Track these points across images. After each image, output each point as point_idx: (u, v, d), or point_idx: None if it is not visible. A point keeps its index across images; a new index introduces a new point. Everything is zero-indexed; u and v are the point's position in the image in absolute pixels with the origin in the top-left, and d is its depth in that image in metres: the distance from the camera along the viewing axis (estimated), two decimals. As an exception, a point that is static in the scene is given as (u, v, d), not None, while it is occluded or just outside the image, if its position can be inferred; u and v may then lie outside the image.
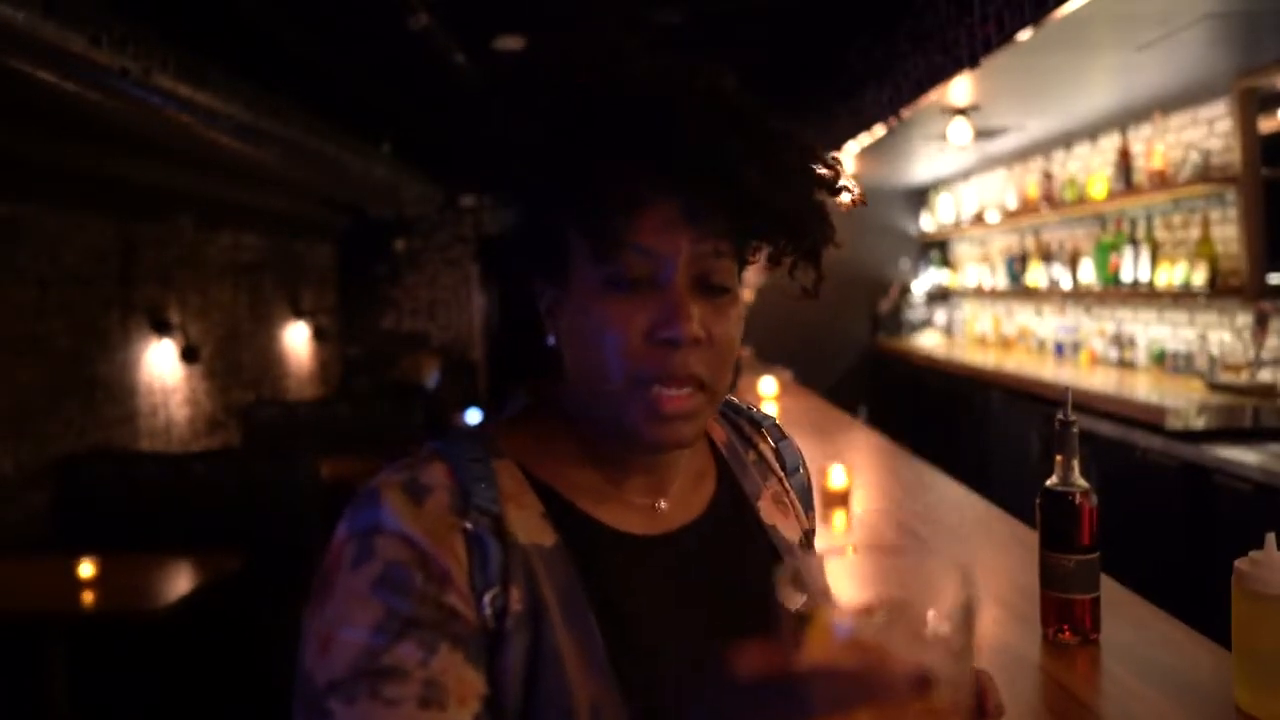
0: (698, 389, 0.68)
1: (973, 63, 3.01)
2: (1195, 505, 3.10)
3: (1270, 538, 1.06)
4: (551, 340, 0.73)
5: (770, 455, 0.86)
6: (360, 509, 0.65)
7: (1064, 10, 2.49)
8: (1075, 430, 1.27)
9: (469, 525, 0.65)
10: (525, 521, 0.67)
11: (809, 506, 0.88)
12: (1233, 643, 1.08)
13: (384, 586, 0.61)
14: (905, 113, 3.90)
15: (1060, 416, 1.27)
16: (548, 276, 0.72)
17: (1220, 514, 2.98)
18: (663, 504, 0.74)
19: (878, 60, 4.16)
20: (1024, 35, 2.71)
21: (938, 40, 3.36)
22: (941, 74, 3.33)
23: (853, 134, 4.67)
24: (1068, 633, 1.26)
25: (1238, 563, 1.06)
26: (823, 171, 0.71)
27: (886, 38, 3.99)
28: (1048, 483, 1.28)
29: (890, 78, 4.00)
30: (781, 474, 0.86)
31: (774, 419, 0.89)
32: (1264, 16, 2.84)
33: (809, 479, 0.89)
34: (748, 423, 0.88)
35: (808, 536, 0.85)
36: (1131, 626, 1.31)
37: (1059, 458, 1.27)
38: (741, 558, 0.76)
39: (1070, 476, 1.26)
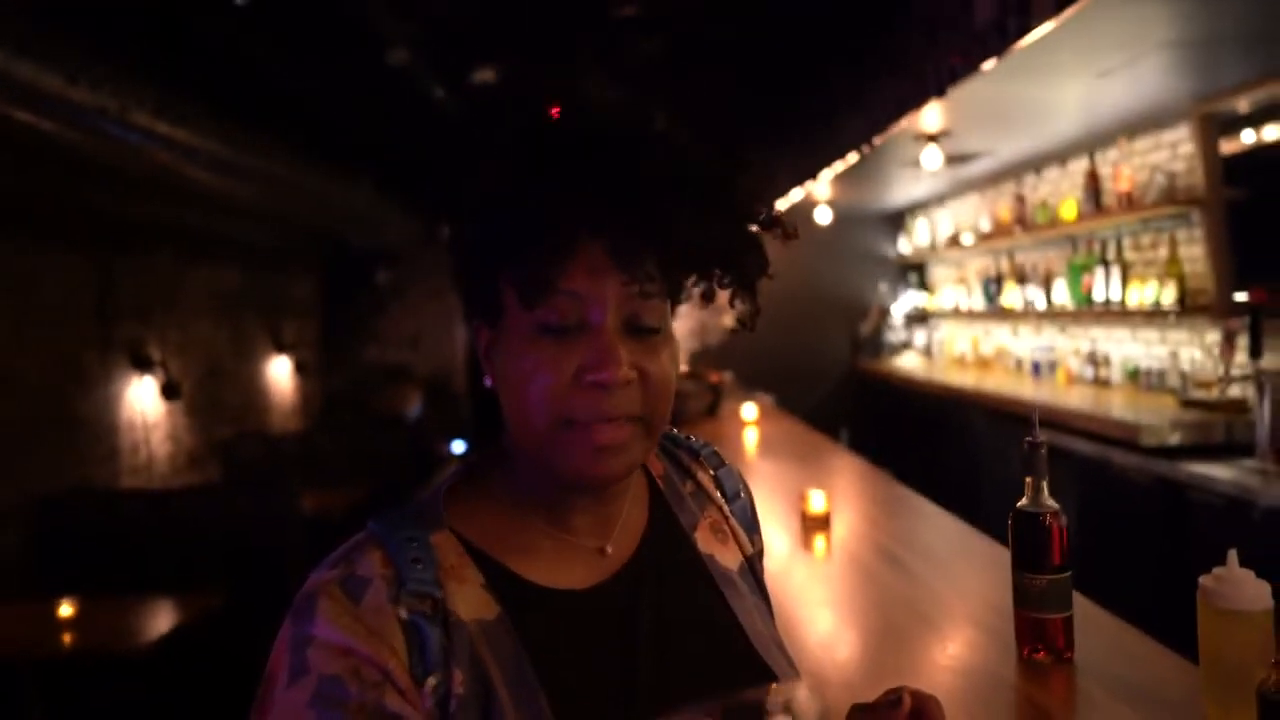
0: (632, 422, 0.68)
1: (940, 92, 3.08)
2: (1170, 520, 3.14)
3: (1232, 554, 1.08)
4: (489, 382, 0.73)
5: (709, 484, 0.87)
6: (299, 615, 0.65)
7: (1026, 40, 2.55)
8: (1044, 451, 1.29)
9: (403, 613, 0.64)
10: (467, 596, 0.67)
11: (753, 530, 0.89)
12: (1200, 658, 1.09)
13: (321, 702, 0.60)
14: (877, 140, 3.97)
15: (1029, 438, 1.30)
16: (483, 319, 0.72)
17: (1194, 528, 3.02)
18: (609, 549, 0.75)
19: (850, 89, 4.24)
20: (988, 65, 2.77)
21: (907, 69, 3.44)
22: (911, 102, 3.40)
23: (828, 161, 4.75)
24: (1042, 652, 1.28)
25: (1202, 579, 1.08)
26: (755, 206, 0.71)
27: (858, 67, 4.07)
28: (1018, 504, 1.30)
29: (863, 106, 4.08)
30: (722, 502, 0.86)
31: (713, 447, 0.90)
32: (1219, 44, 2.93)
33: (751, 503, 0.90)
34: (686, 453, 0.88)
35: (751, 561, 0.86)
36: (1104, 644, 1.33)
37: (1028, 479, 1.29)
38: (678, 589, 0.77)
39: (1040, 497, 1.28)
